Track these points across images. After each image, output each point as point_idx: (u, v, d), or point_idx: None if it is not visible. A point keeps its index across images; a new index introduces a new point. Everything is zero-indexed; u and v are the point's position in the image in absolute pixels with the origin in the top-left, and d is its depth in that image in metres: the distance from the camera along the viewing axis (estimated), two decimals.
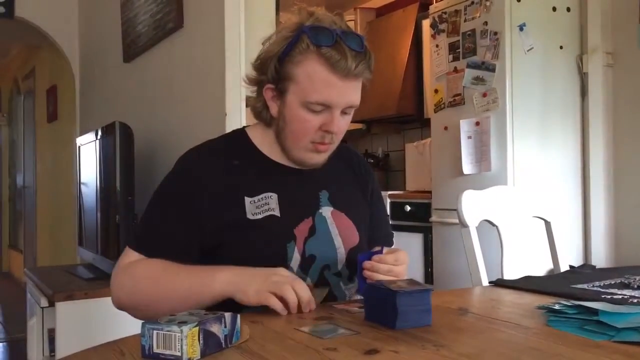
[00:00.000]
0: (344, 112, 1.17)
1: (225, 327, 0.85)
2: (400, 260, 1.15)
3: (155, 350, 0.79)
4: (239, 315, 0.89)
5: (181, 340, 0.78)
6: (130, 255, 1.18)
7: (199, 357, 0.79)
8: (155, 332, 0.79)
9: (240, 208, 1.17)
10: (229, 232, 1.15)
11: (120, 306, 1.18)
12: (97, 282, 2.53)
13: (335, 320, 1.00)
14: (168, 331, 0.78)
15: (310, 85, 1.13)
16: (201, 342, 0.80)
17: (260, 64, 1.19)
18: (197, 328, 0.79)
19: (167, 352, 0.78)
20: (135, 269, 1.16)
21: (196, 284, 1.10)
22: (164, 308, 1.08)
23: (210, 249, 1.17)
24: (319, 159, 1.21)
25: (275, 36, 1.18)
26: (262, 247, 1.16)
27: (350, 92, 1.14)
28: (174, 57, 2.90)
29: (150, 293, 1.13)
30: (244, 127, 1.33)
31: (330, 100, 1.13)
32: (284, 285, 1.03)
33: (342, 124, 1.18)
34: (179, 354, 0.78)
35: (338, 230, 1.24)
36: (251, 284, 1.05)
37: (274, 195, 1.19)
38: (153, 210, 1.22)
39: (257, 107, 1.24)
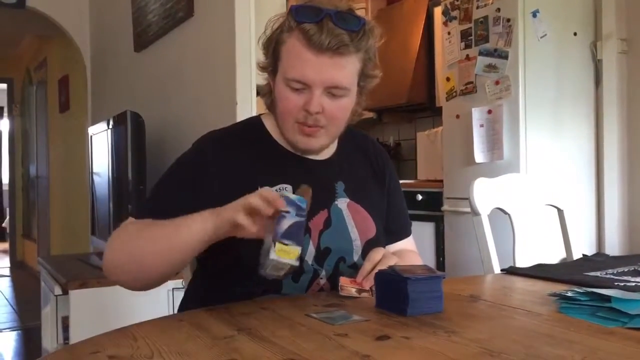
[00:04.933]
0: (332, 95, 1.13)
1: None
2: (373, 261, 1.11)
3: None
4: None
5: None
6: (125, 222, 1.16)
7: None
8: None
9: None
10: None
11: (107, 268, 1.13)
12: None
13: (346, 307, 1.01)
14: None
15: (288, 62, 1.12)
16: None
17: (265, 50, 1.20)
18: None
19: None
20: (124, 227, 1.14)
21: (175, 227, 1.06)
22: (145, 258, 1.08)
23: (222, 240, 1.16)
24: (309, 143, 1.17)
25: (273, 22, 1.17)
26: None
27: (327, 69, 1.09)
28: (184, 46, 2.90)
29: (134, 244, 1.10)
30: (260, 114, 1.31)
31: (304, 77, 1.10)
32: (248, 199, 1.00)
33: (332, 108, 1.13)
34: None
35: (354, 222, 1.22)
36: (224, 211, 1.02)
37: (289, 187, 1.17)
38: (159, 184, 1.21)
39: (264, 90, 1.24)
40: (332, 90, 1.12)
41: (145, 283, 1.14)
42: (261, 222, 1.00)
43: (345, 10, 1.11)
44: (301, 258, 1.06)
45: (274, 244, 0.98)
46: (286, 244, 0.98)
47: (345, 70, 1.12)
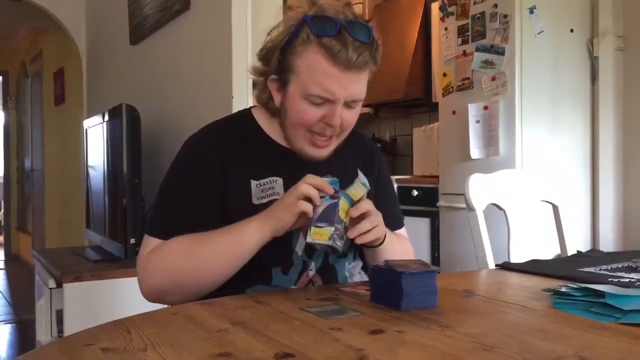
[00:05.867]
0: (348, 106, 1.14)
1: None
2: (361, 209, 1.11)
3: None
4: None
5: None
6: (149, 243, 1.16)
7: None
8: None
9: (246, 191, 1.17)
10: (234, 216, 1.14)
11: (155, 293, 1.14)
12: (105, 263, 2.54)
13: (341, 302, 1.01)
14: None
15: (311, 77, 1.10)
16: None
17: (265, 55, 1.18)
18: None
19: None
20: (162, 250, 1.14)
21: (232, 243, 1.10)
22: (205, 276, 1.11)
23: (217, 226, 1.16)
24: (320, 153, 1.19)
25: (279, 26, 1.16)
26: None
27: (352, 85, 1.11)
28: (180, 39, 2.89)
29: (187, 266, 1.11)
30: (250, 107, 1.32)
31: (331, 93, 1.10)
32: (300, 188, 1.06)
33: (348, 118, 1.16)
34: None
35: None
36: (279, 211, 1.08)
37: (279, 180, 1.18)
38: (164, 195, 1.22)
39: (263, 98, 1.23)
40: (350, 102, 1.14)
41: (195, 296, 1.14)
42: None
43: (354, 18, 1.11)
44: (338, 235, 1.08)
45: (310, 228, 1.06)
46: (320, 227, 1.06)
47: (364, 82, 1.14)
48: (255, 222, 1.10)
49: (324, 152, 1.19)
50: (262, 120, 1.25)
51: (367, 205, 1.10)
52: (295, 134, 1.18)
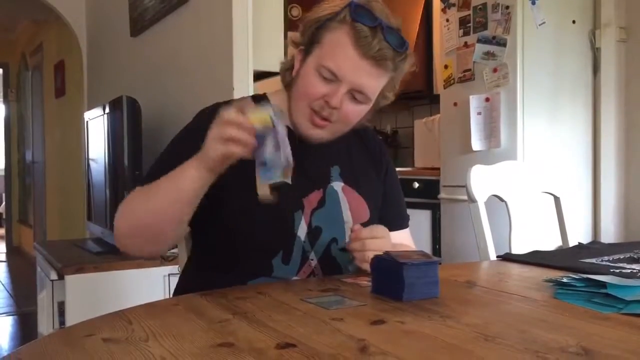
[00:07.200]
0: (354, 98, 1.15)
1: (279, 152, 0.97)
2: (377, 233, 1.13)
3: None
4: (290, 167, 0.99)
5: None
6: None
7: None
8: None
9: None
10: (235, 194, 1.14)
11: (120, 240, 1.16)
12: (106, 255, 2.55)
13: (342, 292, 1.01)
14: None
15: (329, 51, 1.13)
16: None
17: (303, 28, 1.21)
18: (269, 117, 0.97)
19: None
20: (127, 198, 1.17)
21: (172, 190, 1.07)
22: (157, 222, 1.10)
23: (215, 210, 1.16)
24: (312, 132, 1.19)
25: (325, 6, 1.18)
26: (269, 212, 1.13)
27: (363, 74, 1.13)
28: (181, 31, 2.88)
29: (141, 210, 1.12)
30: (265, 93, 1.32)
31: (340, 71, 1.12)
32: (219, 129, 1.00)
33: (349, 109, 1.16)
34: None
35: (349, 205, 1.23)
36: (206, 152, 1.02)
37: None
38: (160, 156, 1.24)
39: (285, 66, 1.25)
40: (356, 93, 1.15)
41: (155, 246, 1.15)
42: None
43: (396, 27, 1.14)
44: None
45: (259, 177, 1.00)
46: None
47: (376, 82, 1.16)
48: (194, 162, 1.05)
49: (317, 133, 1.19)
50: (275, 103, 1.25)
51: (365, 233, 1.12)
52: (297, 106, 1.19)
